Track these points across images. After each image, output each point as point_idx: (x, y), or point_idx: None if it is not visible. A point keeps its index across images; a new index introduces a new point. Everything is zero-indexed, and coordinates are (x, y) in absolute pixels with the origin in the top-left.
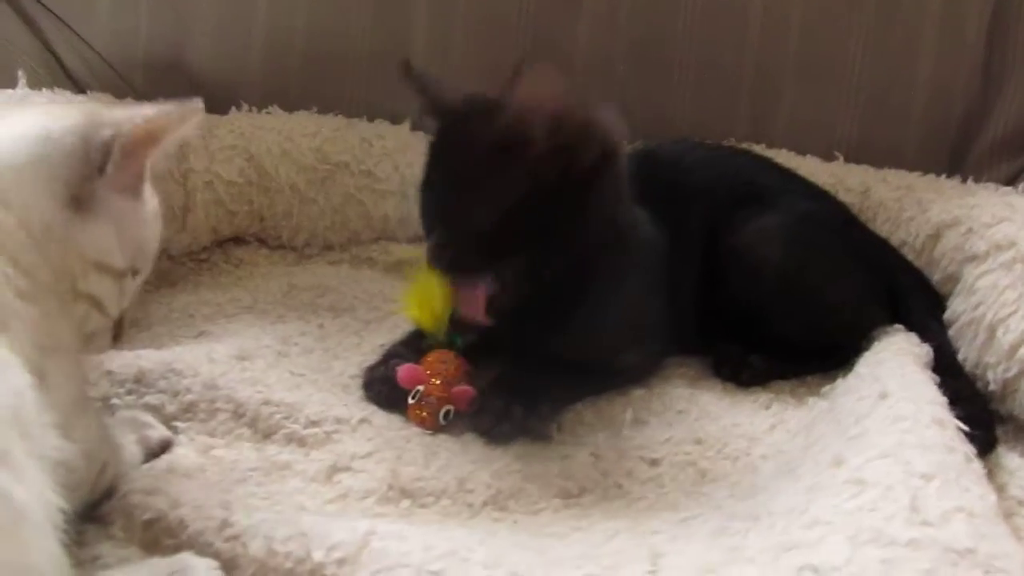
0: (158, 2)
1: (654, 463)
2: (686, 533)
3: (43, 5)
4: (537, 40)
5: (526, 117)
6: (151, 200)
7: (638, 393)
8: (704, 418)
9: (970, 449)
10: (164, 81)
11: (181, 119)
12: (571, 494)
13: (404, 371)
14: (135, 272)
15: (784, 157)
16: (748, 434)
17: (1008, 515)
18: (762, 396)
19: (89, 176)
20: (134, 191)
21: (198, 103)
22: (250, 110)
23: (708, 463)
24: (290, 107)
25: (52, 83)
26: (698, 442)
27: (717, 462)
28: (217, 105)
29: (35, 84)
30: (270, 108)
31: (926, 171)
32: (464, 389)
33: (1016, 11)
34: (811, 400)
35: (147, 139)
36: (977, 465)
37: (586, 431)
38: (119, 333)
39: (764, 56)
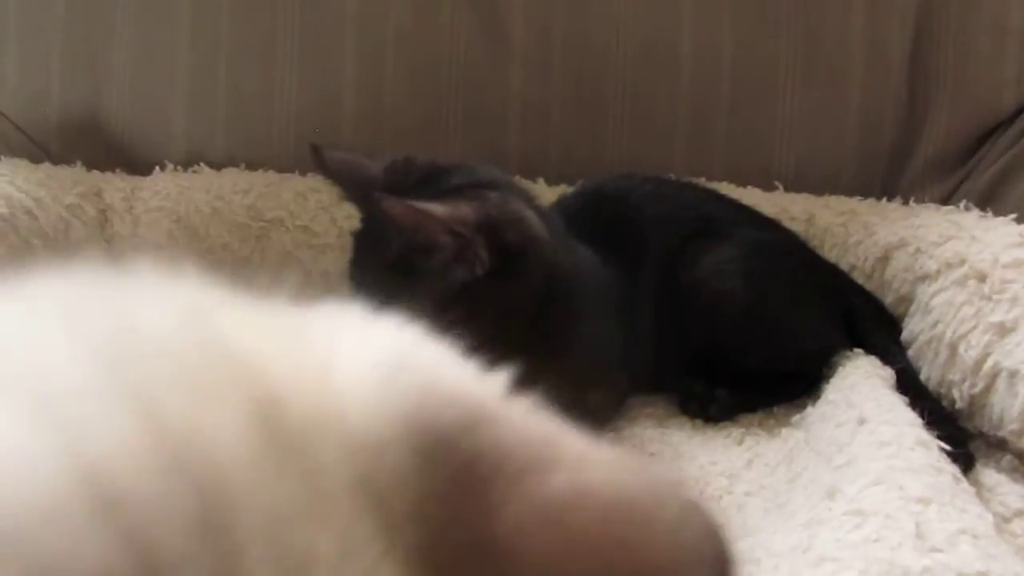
0: (70, 61)
1: None
2: None
3: None
4: (470, 86)
5: (422, 225)
6: None
7: (608, 437)
8: (679, 458)
9: (955, 469)
10: (80, 144)
11: None
12: None
13: None
14: None
15: (725, 189)
16: (727, 471)
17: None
18: (733, 431)
19: None
20: None
21: None
22: (175, 169)
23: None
24: (218, 165)
25: None
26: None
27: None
28: (139, 166)
29: None
30: (196, 167)
31: (863, 196)
32: None
33: (936, 37)
34: (784, 431)
35: None
36: (966, 485)
37: None
38: None
39: (697, 92)
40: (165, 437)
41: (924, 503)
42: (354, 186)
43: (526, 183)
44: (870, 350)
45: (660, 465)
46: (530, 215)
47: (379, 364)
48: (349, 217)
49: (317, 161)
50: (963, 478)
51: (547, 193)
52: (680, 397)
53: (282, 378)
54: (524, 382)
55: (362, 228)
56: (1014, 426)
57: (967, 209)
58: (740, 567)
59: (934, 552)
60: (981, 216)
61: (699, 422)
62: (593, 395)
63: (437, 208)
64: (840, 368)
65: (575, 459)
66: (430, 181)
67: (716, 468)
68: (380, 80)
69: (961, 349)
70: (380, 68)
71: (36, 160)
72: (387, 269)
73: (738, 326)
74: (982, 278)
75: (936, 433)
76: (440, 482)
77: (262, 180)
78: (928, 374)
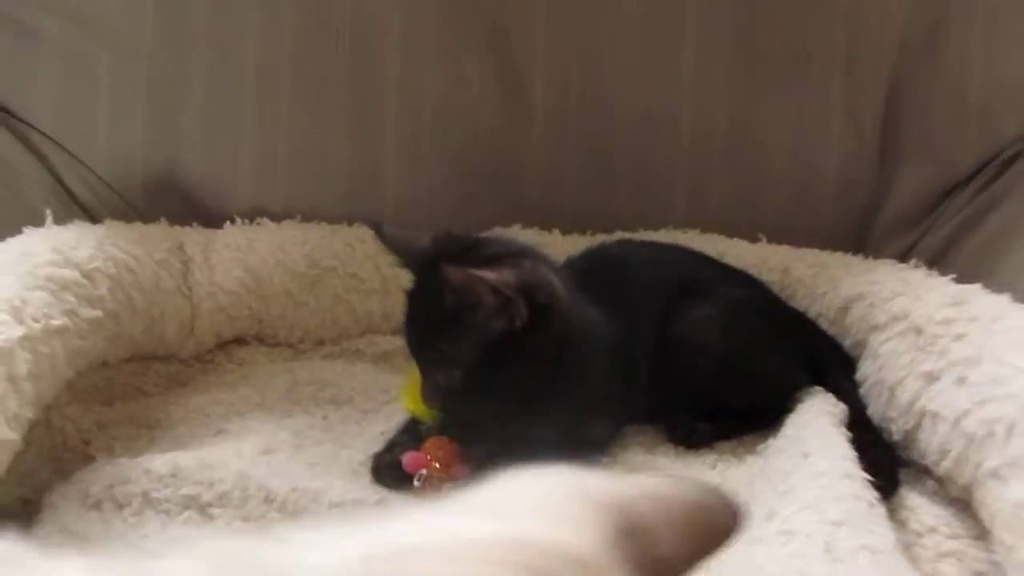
0: (152, 127)
1: None
2: None
3: (46, 136)
4: (495, 148)
5: (472, 287)
6: None
7: (603, 461)
8: None
9: (874, 495)
10: (161, 200)
11: None
12: None
13: (409, 458)
14: None
15: (715, 240)
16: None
17: (909, 546)
18: (709, 457)
19: None
20: None
21: None
22: (243, 223)
23: None
24: (277, 217)
25: (64, 213)
26: None
27: None
28: (211, 219)
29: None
30: (260, 220)
31: (837, 248)
32: (459, 469)
33: (903, 109)
34: (749, 458)
35: None
36: (880, 509)
37: None
38: None
39: (694, 155)
40: None
41: (837, 525)
42: (407, 255)
43: (543, 232)
44: (829, 388)
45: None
46: (555, 279)
47: None
48: (391, 265)
49: (378, 236)
50: (878, 504)
51: (561, 242)
52: (667, 427)
53: None
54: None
55: (414, 288)
56: (934, 458)
57: (916, 267)
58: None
59: (836, 562)
60: (927, 274)
61: (681, 449)
62: (594, 425)
63: (487, 273)
64: (800, 404)
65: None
66: (471, 250)
67: None
68: (418, 143)
69: (898, 392)
70: (418, 132)
71: (122, 213)
72: (440, 321)
73: (715, 372)
74: (919, 332)
75: (866, 462)
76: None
77: (316, 232)
78: (874, 411)
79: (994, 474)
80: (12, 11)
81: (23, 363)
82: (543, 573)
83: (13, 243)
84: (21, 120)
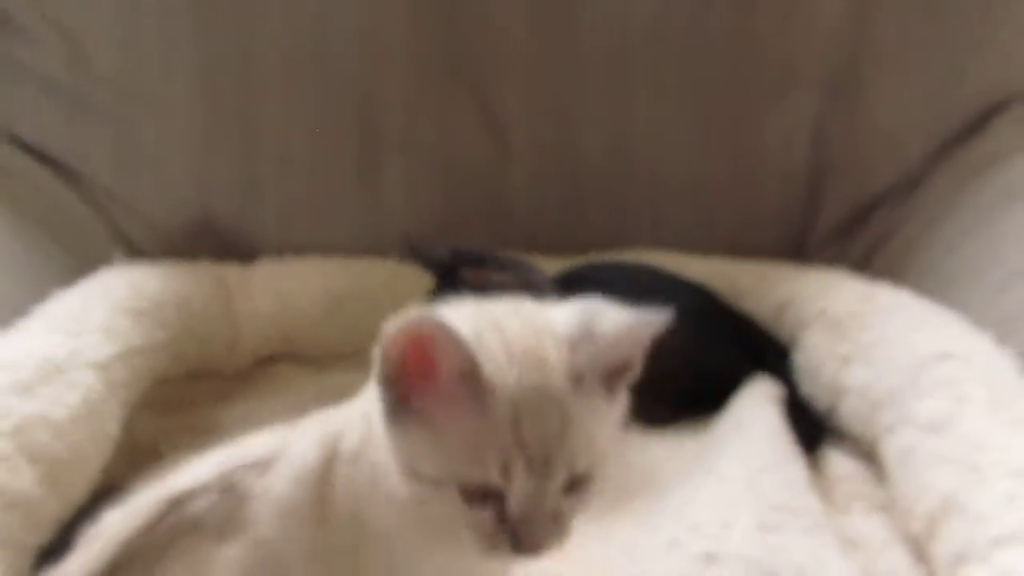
0: (190, 178)
1: None
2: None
3: (102, 188)
4: (483, 188)
5: (486, 286)
6: None
7: None
8: (633, 448)
9: (797, 450)
10: (201, 241)
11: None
12: None
13: None
14: None
15: (673, 257)
16: (661, 456)
17: (827, 490)
18: (668, 433)
19: None
20: None
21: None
22: (272, 259)
23: (636, 480)
24: (301, 252)
25: (121, 251)
26: (628, 465)
27: (645, 477)
28: (243, 255)
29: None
30: (286, 255)
31: (778, 257)
32: None
33: (827, 138)
34: (701, 434)
35: None
36: (800, 461)
37: None
38: None
39: (654, 185)
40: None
41: (761, 471)
42: (431, 263)
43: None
44: (770, 374)
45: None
46: (547, 283)
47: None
48: (403, 289)
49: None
50: (799, 457)
51: (543, 263)
52: (633, 410)
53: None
54: None
55: (435, 290)
56: (849, 422)
57: (837, 270)
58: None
59: (760, 498)
60: (846, 276)
61: (649, 427)
62: None
63: (497, 275)
64: (746, 388)
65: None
66: (482, 260)
67: (653, 454)
68: (417, 184)
69: (821, 373)
70: (416, 176)
71: (168, 253)
72: None
73: (675, 366)
74: (836, 325)
75: (797, 429)
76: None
77: (334, 264)
78: (803, 390)
79: (889, 429)
80: (71, 83)
81: (120, 374)
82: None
83: (95, 284)
84: (80, 176)
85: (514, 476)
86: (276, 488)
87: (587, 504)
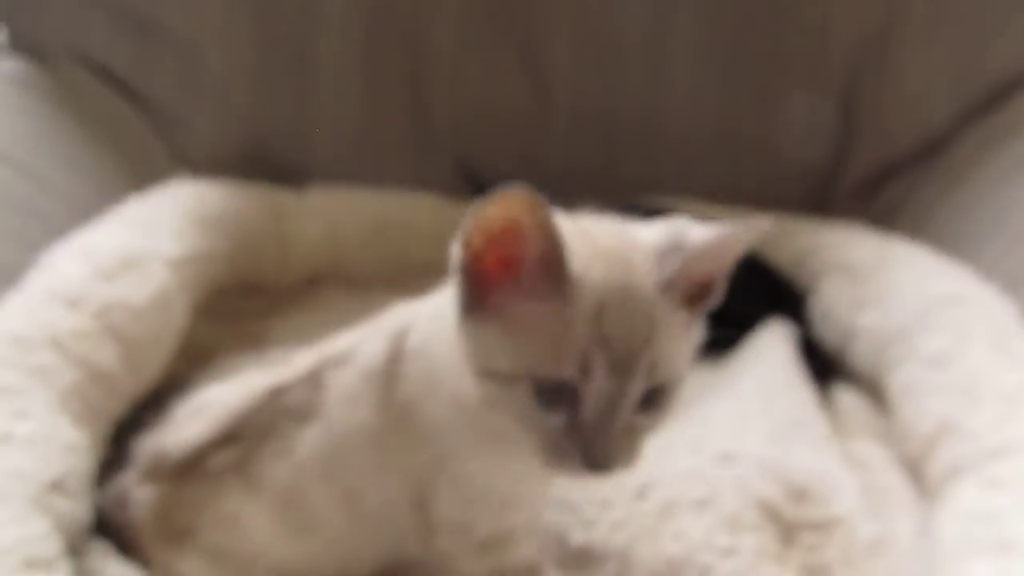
0: (248, 107)
1: None
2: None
3: (168, 116)
4: (523, 136)
5: None
6: None
7: None
8: None
9: (803, 382)
10: (254, 168)
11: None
12: None
13: None
14: None
15: (701, 206)
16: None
17: (836, 420)
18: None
19: None
20: None
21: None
22: (324, 187)
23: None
24: (350, 183)
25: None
26: None
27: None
28: (296, 183)
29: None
30: (336, 185)
31: (801, 210)
32: None
33: (855, 100)
34: (721, 369)
35: None
36: (807, 391)
37: None
38: None
39: (687, 140)
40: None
41: (775, 392)
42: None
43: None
44: (785, 315)
45: None
46: None
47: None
48: (447, 219)
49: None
50: (805, 383)
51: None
52: None
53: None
54: None
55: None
56: (858, 360)
57: (855, 226)
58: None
59: (770, 412)
60: (864, 231)
61: None
62: None
63: None
64: (763, 329)
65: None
66: None
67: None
68: (461, 128)
69: (834, 317)
70: (461, 119)
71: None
72: None
73: None
74: (852, 273)
75: (810, 366)
76: (671, 250)
77: (381, 194)
78: (817, 333)
79: (895, 365)
80: (138, 7)
81: (188, 272)
82: (627, 236)
83: (165, 192)
84: (143, 98)
85: (593, 373)
86: (347, 380)
87: (659, 425)
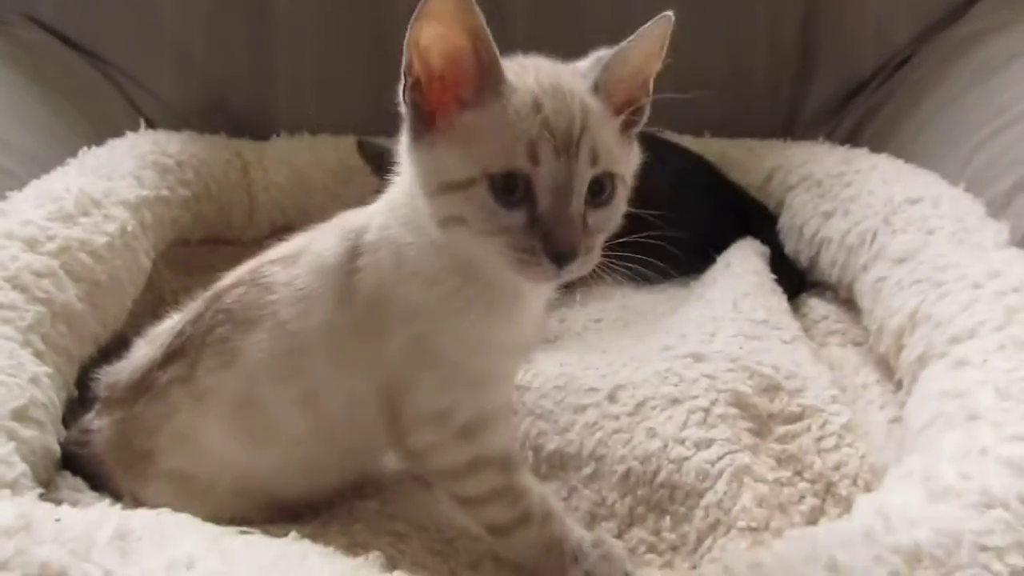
0: (207, 61)
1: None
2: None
3: (122, 70)
4: None
5: None
6: None
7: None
8: (630, 300)
9: (775, 286)
10: (215, 121)
11: None
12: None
13: None
14: None
15: (667, 136)
16: (655, 305)
17: (807, 328)
18: (664, 285)
19: None
20: None
21: None
22: (288, 136)
23: (632, 315)
24: (313, 131)
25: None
26: (625, 307)
27: (640, 314)
28: (258, 135)
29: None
30: (299, 133)
31: (765, 136)
32: None
33: (817, 24)
34: (692, 283)
35: None
36: (780, 294)
37: None
38: None
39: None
40: None
41: (745, 295)
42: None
43: None
44: (756, 236)
45: None
46: None
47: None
48: None
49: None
50: (776, 290)
51: None
52: (629, 268)
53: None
54: None
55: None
56: (828, 270)
57: (822, 143)
58: None
59: (739, 313)
60: (830, 147)
61: (642, 282)
62: None
63: None
64: (733, 246)
65: None
66: None
67: (648, 299)
68: None
69: (805, 230)
70: None
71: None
72: None
73: (666, 225)
74: (819, 184)
75: (781, 279)
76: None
77: (345, 142)
78: (788, 248)
79: (864, 267)
80: None
81: (148, 216)
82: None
83: (122, 141)
84: (97, 55)
85: (541, 158)
86: (300, 278)
87: (610, 224)
